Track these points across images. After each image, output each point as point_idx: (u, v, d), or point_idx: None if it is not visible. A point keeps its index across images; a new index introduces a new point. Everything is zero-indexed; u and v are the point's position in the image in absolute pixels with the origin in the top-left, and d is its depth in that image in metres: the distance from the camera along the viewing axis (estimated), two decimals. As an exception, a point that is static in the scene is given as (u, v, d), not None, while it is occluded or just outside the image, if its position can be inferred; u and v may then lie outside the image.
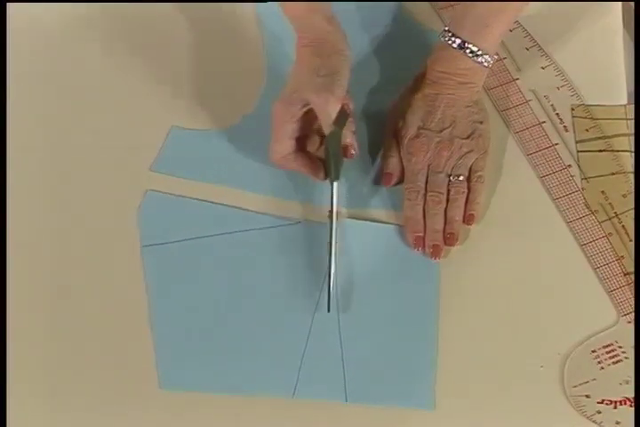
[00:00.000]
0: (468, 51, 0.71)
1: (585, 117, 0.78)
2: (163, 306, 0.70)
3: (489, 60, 0.72)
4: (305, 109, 0.69)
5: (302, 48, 0.71)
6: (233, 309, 0.70)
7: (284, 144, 0.70)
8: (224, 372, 0.68)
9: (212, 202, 0.74)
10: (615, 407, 0.67)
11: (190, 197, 0.74)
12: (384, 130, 0.75)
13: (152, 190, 0.74)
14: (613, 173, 0.75)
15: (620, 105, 0.78)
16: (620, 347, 0.69)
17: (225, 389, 0.68)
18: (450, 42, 0.72)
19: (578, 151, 0.76)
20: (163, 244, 0.72)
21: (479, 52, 0.71)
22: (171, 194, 0.74)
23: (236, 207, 0.74)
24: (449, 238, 0.72)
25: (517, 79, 0.79)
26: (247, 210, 0.74)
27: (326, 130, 0.70)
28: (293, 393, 0.68)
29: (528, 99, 0.78)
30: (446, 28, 0.73)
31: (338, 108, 0.69)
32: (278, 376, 0.68)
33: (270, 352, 0.69)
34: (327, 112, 0.69)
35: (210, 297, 0.70)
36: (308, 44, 0.71)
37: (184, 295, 0.70)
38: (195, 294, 0.71)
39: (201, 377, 0.68)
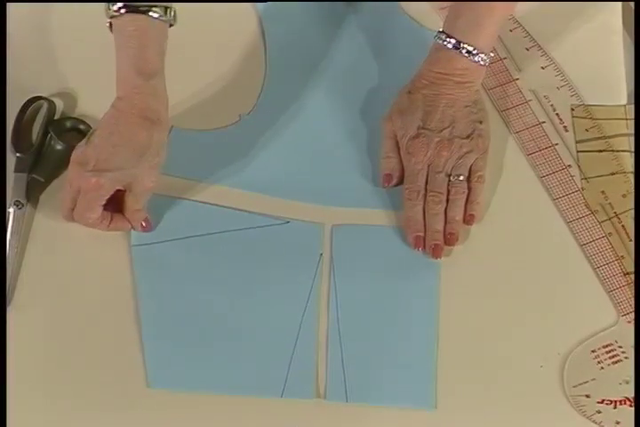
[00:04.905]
0: (463, 51, 0.72)
1: (585, 117, 0.78)
2: (151, 305, 0.70)
3: (485, 58, 0.72)
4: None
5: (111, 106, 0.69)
6: (222, 308, 0.70)
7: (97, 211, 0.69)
8: (213, 371, 0.68)
9: (202, 202, 0.74)
10: (615, 407, 0.67)
11: (180, 197, 0.74)
12: (383, 130, 0.75)
13: None
14: (613, 173, 0.75)
15: (620, 105, 0.78)
16: (620, 347, 0.69)
17: (214, 388, 0.67)
18: (445, 43, 0.72)
19: (578, 151, 0.76)
20: (152, 243, 0.72)
21: (475, 52, 0.72)
22: (162, 194, 0.73)
23: (225, 207, 0.74)
24: (449, 238, 0.72)
25: (517, 79, 0.80)
26: (237, 209, 0.74)
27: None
28: (282, 393, 0.67)
29: (528, 99, 0.79)
30: (441, 30, 0.73)
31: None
32: (267, 376, 0.68)
33: (259, 352, 0.68)
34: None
35: (199, 296, 0.70)
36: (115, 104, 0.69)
37: (173, 295, 0.70)
38: (184, 293, 0.70)
39: (190, 376, 0.68)
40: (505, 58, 0.81)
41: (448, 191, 0.73)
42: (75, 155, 0.69)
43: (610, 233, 0.72)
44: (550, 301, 0.71)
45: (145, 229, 0.71)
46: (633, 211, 0.73)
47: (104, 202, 0.69)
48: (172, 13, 0.70)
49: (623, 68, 0.80)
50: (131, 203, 0.70)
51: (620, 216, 0.73)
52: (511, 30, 0.81)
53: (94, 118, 0.76)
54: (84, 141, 0.69)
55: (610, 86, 0.79)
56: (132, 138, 0.68)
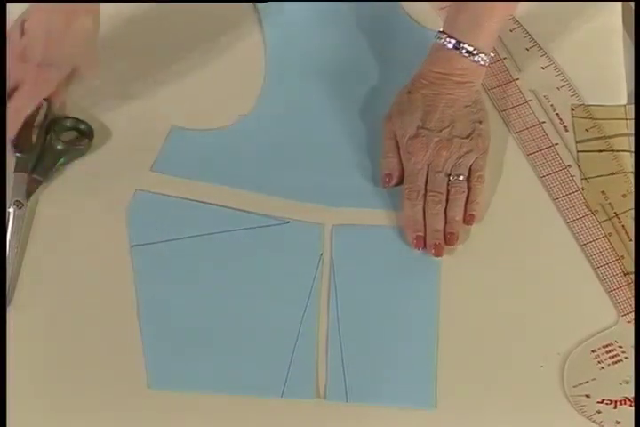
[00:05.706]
0: (463, 51, 0.72)
1: (585, 117, 0.78)
2: (151, 305, 0.70)
3: (485, 58, 0.73)
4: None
5: None
6: (222, 308, 0.70)
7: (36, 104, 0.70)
8: (213, 371, 0.68)
9: (202, 202, 0.74)
10: (615, 407, 0.67)
11: (180, 197, 0.74)
12: (383, 130, 0.75)
13: (140, 190, 0.74)
14: (613, 173, 0.75)
15: (620, 105, 0.78)
16: (620, 347, 0.69)
17: (214, 388, 0.67)
18: (445, 43, 0.72)
19: (578, 151, 0.76)
20: (152, 243, 0.72)
21: (475, 52, 0.72)
22: (161, 194, 0.73)
23: (225, 207, 0.74)
24: (449, 238, 0.72)
25: (517, 79, 0.80)
26: (236, 209, 0.74)
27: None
28: (282, 393, 0.67)
29: (528, 99, 0.79)
30: (441, 30, 0.73)
31: None
32: (267, 376, 0.68)
33: (259, 352, 0.68)
34: None
35: (199, 297, 0.70)
36: None
37: (173, 295, 0.70)
38: (183, 293, 0.70)
39: (190, 377, 0.68)
40: (505, 58, 0.81)
41: (448, 191, 0.73)
42: (13, 49, 0.68)
43: (610, 233, 0.72)
44: (550, 301, 0.71)
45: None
46: (633, 211, 0.73)
47: (47, 95, 0.69)
48: None
49: (623, 68, 0.80)
50: (61, 86, 0.71)
51: (619, 216, 0.73)
52: (511, 30, 0.81)
53: (94, 118, 0.76)
54: (14, 30, 0.68)
55: (610, 86, 0.80)
56: (70, 26, 0.68)
